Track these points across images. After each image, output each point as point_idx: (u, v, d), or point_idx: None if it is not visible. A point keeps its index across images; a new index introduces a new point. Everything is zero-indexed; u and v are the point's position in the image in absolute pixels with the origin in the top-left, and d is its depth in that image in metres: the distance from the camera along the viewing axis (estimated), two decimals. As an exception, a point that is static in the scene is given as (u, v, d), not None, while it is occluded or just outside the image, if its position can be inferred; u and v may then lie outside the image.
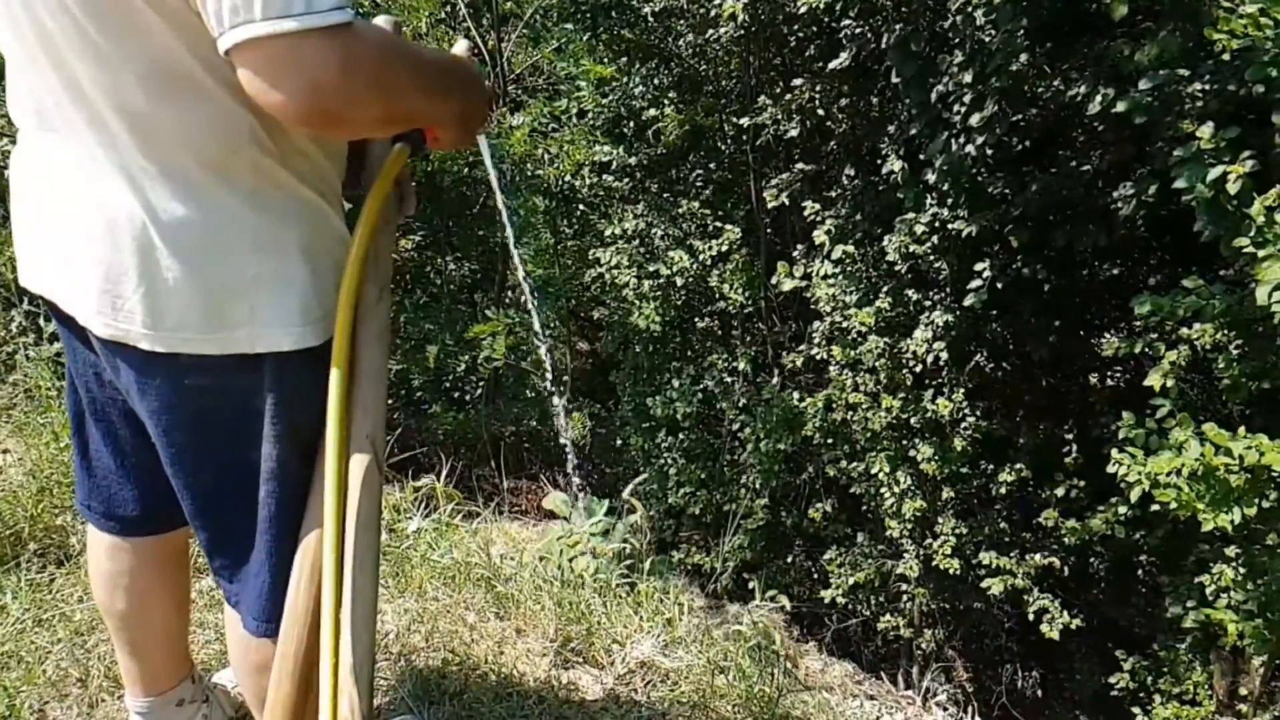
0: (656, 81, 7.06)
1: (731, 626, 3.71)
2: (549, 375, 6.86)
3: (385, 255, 1.32)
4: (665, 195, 7.35)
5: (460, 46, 1.46)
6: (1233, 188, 3.23)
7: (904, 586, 6.33)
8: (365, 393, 1.23)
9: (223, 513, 1.32)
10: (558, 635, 2.99)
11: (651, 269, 6.85)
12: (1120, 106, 3.93)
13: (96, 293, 1.14)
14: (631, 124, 7.23)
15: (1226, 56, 3.22)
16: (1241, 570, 3.84)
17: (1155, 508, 3.67)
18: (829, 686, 6.81)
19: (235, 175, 1.11)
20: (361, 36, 0.97)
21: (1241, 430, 3.29)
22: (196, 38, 0.98)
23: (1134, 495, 3.64)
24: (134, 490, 1.48)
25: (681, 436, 6.92)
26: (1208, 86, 3.74)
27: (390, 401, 8.55)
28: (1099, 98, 4.02)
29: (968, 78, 4.64)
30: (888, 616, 6.48)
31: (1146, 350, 4.37)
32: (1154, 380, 4.13)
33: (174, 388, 1.20)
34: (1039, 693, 7.13)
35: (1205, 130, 3.36)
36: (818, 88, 6.13)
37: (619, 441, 7.71)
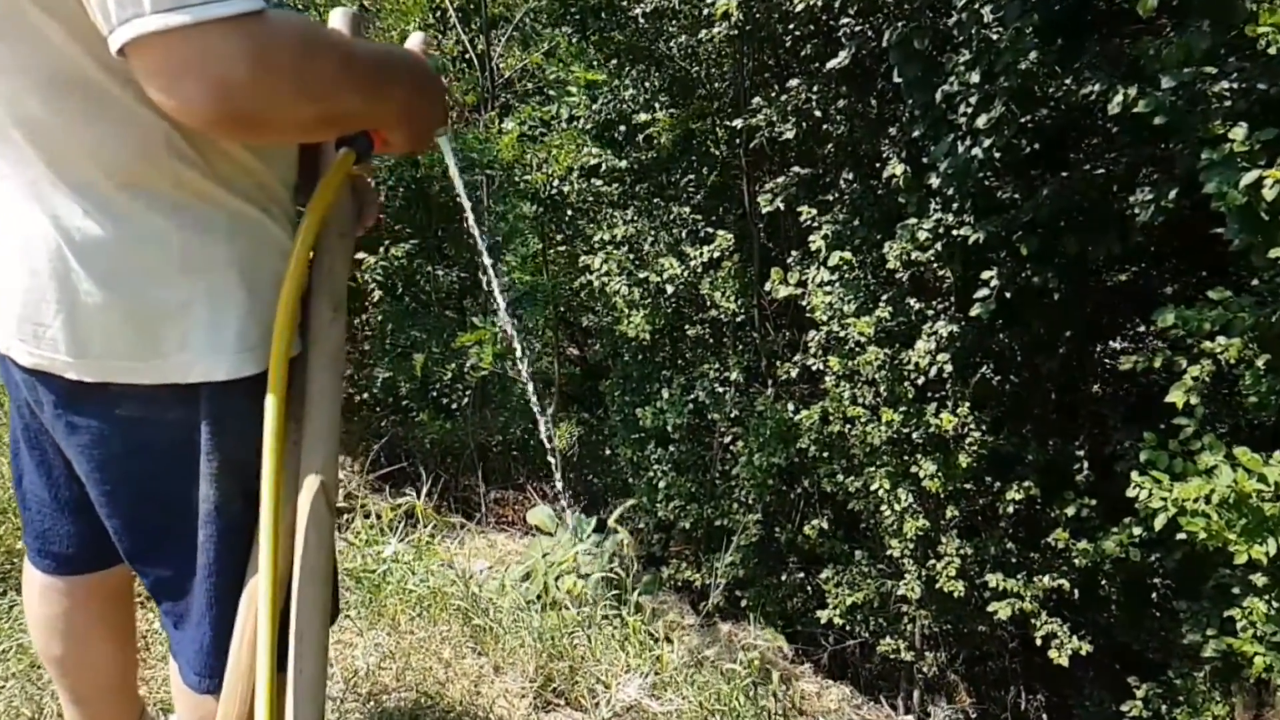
0: (647, 84, 6.84)
1: (725, 664, 3.48)
2: (529, 386, 6.63)
3: (339, 271, 1.22)
4: (656, 200, 7.13)
5: (414, 40, 1.32)
6: (1269, 193, 3.00)
7: (905, 608, 6.10)
8: (315, 424, 1.14)
9: (161, 557, 1.23)
10: (538, 674, 2.78)
11: (641, 275, 6.62)
12: (1141, 106, 3.70)
13: (16, 320, 1.09)
14: (622, 128, 7.01)
15: (1273, 51, 2.98)
16: (1276, 604, 3.60)
17: (1181, 536, 3.44)
18: (826, 711, 6.60)
19: (155, 189, 1.03)
20: (276, 27, 0.88)
21: (1278, 455, 3.05)
22: (99, 41, 0.89)
23: (1158, 524, 3.41)
24: (70, 525, 1.38)
25: (672, 448, 6.69)
26: (1236, 85, 3.52)
27: (378, 410, 8.35)
28: (1119, 97, 3.79)
29: (974, 77, 4.45)
30: (888, 639, 6.25)
31: (1165, 364, 4.15)
32: (1175, 397, 3.90)
33: (105, 420, 1.13)
34: (1044, 717, 6.90)
35: (1238, 132, 3.14)
36: (815, 88, 5.93)
37: (608, 451, 7.48)
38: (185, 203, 1.05)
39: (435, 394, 7.68)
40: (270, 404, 1.09)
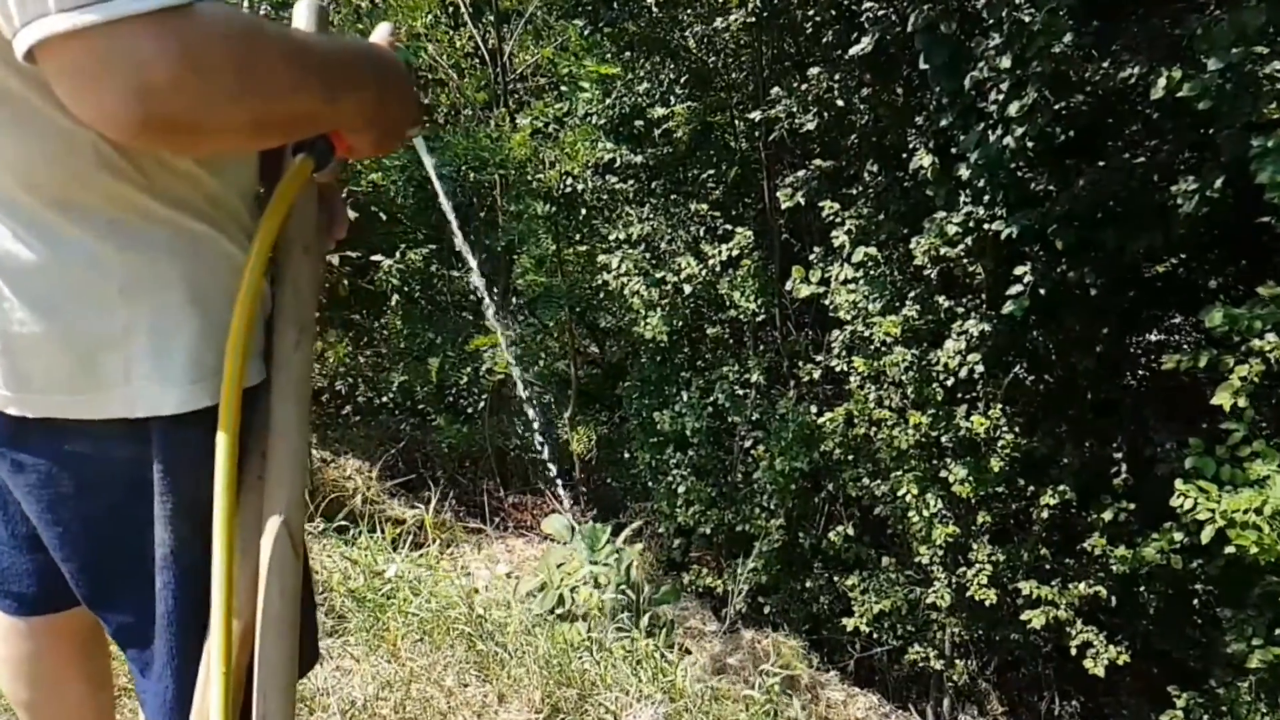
0: (662, 76, 6.65)
1: (743, 690, 3.31)
2: (523, 392, 6.49)
3: (305, 291, 1.14)
4: (673, 196, 6.93)
5: (380, 32, 1.21)
6: (1328, 181, 2.78)
7: (934, 615, 5.89)
8: (279, 460, 1.07)
9: (121, 603, 1.16)
10: (544, 703, 2.63)
11: (658, 275, 6.43)
12: (1186, 90, 3.48)
13: None
14: (637, 122, 6.82)
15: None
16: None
17: (1230, 550, 3.22)
18: (853, 721, 6.40)
19: (86, 207, 0.96)
20: (206, 22, 0.79)
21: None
22: (8, 47, 0.81)
23: (1205, 536, 3.20)
24: (29, 563, 1.28)
25: (691, 453, 6.51)
26: (1290, 65, 3.29)
27: (396, 414, 8.24)
28: (1162, 81, 3.56)
29: (1005, 62, 4.25)
30: (916, 646, 6.05)
31: (1210, 363, 3.91)
32: (1222, 399, 3.68)
33: (52, 458, 1.07)
34: (1078, 722, 6.68)
35: (1295, 115, 2.92)
36: (836, 77, 5.74)
37: (626, 454, 7.31)
38: (122, 220, 0.98)
39: (451, 398, 7.56)
40: (221, 442, 1.00)
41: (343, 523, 3.94)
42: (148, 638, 1.15)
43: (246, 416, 1.05)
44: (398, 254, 7.25)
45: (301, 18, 1.15)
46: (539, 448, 6.37)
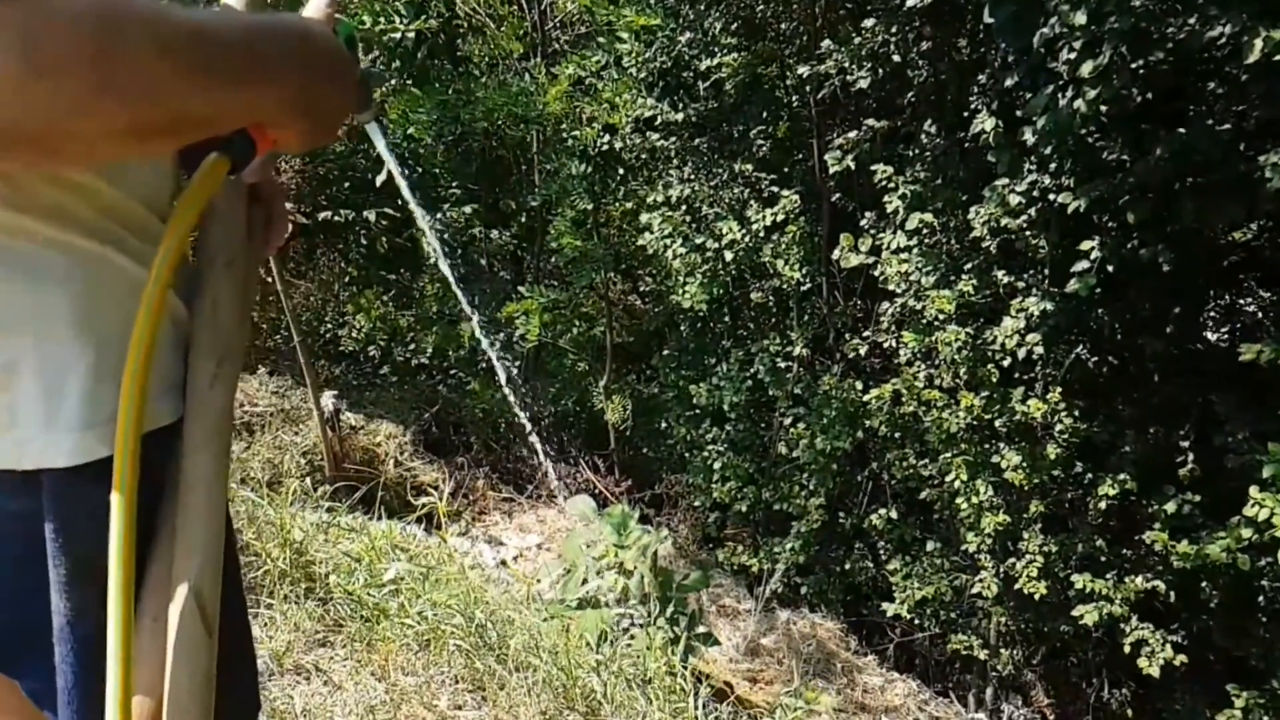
0: (707, 25, 6.28)
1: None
2: (496, 361, 6.29)
3: (226, 312, 1.00)
4: (716, 156, 6.60)
5: (315, 4, 1.04)
6: None
7: (980, 603, 5.63)
8: (189, 521, 0.94)
9: (25, 670, 1.04)
10: None
11: (698, 241, 6.13)
12: (1286, 51, 3.08)
13: None
14: (682, 74, 6.47)
15: None
16: None
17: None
18: (890, 707, 6.20)
19: None
20: (51, 8, 0.65)
21: None
22: None
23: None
24: None
25: (728, 428, 6.26)
26: None
27: (435, 375, 8.12)
28: (1258, 42, 3.16)
29: (1080, 18, 3.90)
30: (960, 635, 5.79)
31: None
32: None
33: None
34: (1129, 712, 6.40)
35: None
36: (893, 29, 5.37)
37: (662, 424, 7.09)
38: None
39: (486, 363, 7.40)
40: (116, 505, 0.86)
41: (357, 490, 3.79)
42: (56, 706, 1.04)
43: (160, 461, 0.94)
44: (441, 214, 7.05)
45: None
46: (523, 421, 6.16)
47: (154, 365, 0.93)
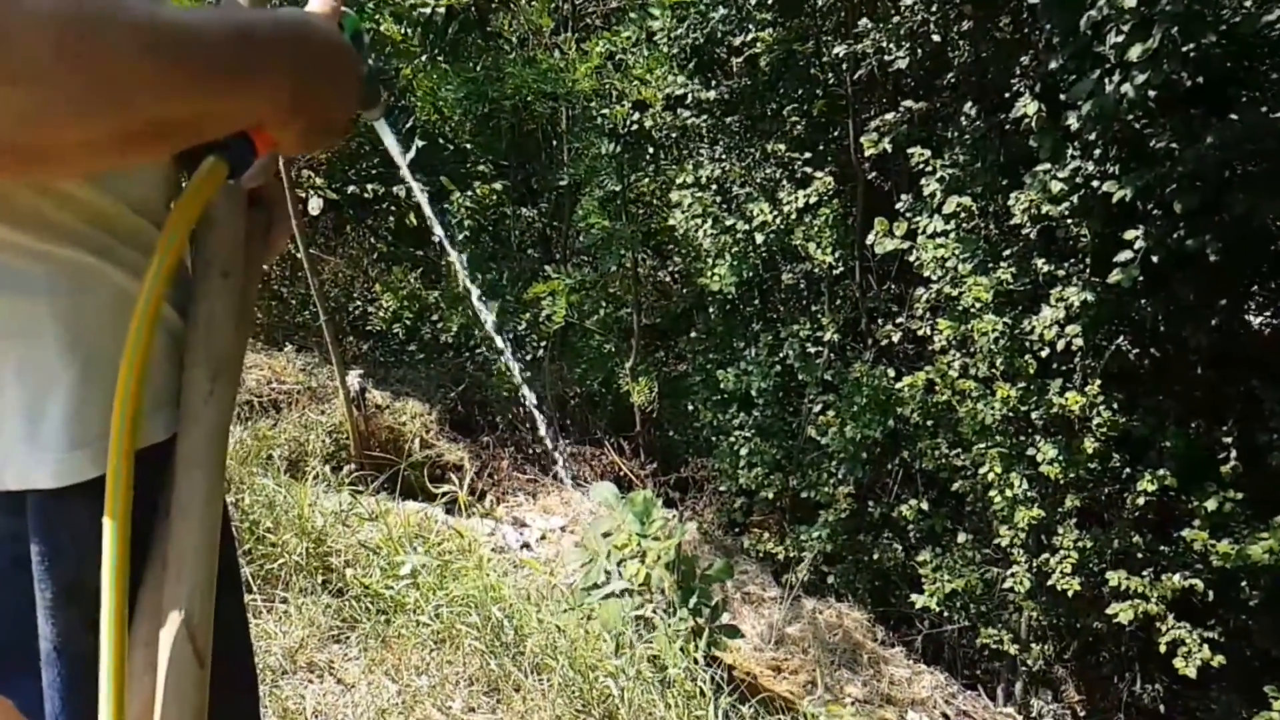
0: (741, 0, 6.14)
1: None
2: (498, 342, 6.24)
3: (222, 326, 0.98)
4: (748, 135, 6.46)
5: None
6: None
7: (1011, 598, 5.53)
8: (181, 545, 0.91)
9: (19, 685, 1.02)
10: None
11: (729, 222, 6.02)
12: (1352, 37, 2.92)
13: None
14: (715, 50, 6.33)
15: None
16: None
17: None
18: (917, 700, 6.12)
19: None
20: (25, 7, 0.59)
21: None
22: None
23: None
24: None
25: (756, 413, 6.18)
26: None
27: (463, 353, 8.11)
28: (1321, 25, 3.00)
29: (1129, 0, 3.67)
30: (990, 629, 5.70)
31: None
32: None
33: None
34: (1161, 709, 6.28)
35: None
36: (933, 8, 5.24)
37: (689, 406, 7.03)
38: None
39: (513, 344, 7.37)
40: (109, 531, 0.83)
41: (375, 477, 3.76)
42: None
43: (152, 480, 0.90)
44: (472, 190, 6.99)
45: None
46: (526, 402, 6.09)
47: (147, 380, 0.90)
